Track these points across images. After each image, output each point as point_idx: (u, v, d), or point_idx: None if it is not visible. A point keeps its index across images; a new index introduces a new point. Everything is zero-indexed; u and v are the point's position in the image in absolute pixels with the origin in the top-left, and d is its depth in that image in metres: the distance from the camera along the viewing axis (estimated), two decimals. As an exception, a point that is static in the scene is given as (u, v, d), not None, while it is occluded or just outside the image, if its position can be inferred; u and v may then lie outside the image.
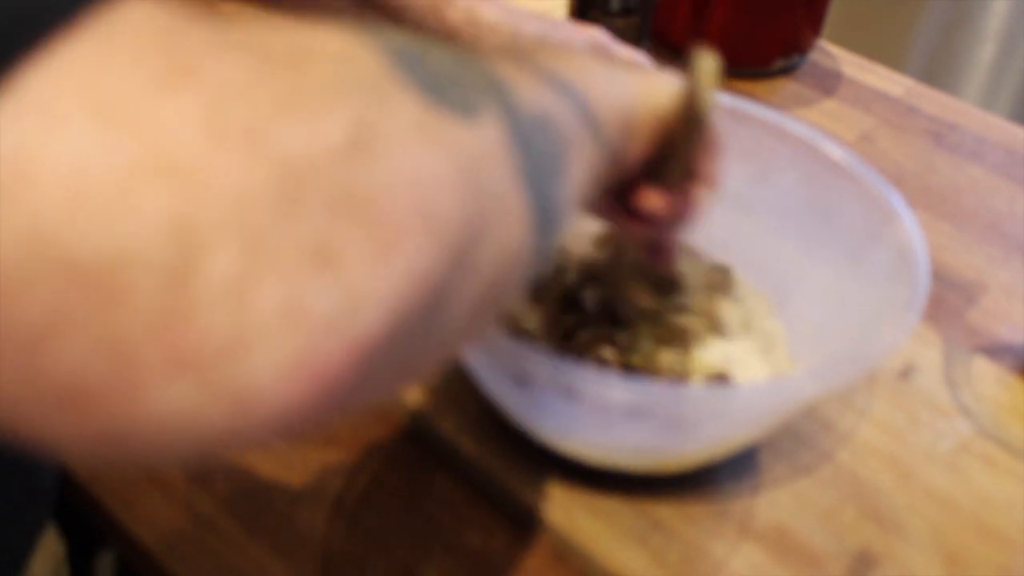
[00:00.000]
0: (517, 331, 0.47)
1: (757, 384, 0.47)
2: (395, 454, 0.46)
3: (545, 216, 0.25)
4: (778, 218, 0.50)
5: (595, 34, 0.50)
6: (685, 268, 0.51)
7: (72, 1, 0.15)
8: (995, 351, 0.54)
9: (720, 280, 0.52)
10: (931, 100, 0.76)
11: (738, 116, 0.50)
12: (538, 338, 0.48)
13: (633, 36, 0.68)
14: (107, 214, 0.15)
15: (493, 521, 0.43)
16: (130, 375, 0.15)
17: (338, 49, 0.19)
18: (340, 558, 0.42)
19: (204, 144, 0.15)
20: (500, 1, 0.48)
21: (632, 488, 0.44)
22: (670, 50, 0.77)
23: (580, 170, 0.29)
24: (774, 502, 0.45)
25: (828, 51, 0.81)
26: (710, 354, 0.48)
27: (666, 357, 0.47)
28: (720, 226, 0.52)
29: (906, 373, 0.52)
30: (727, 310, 0.50)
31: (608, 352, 0.48)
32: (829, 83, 0.77)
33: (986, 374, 0.53)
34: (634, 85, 0.35)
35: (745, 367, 0.48)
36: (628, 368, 0.47)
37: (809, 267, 0.49)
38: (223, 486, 0.44)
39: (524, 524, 0.43)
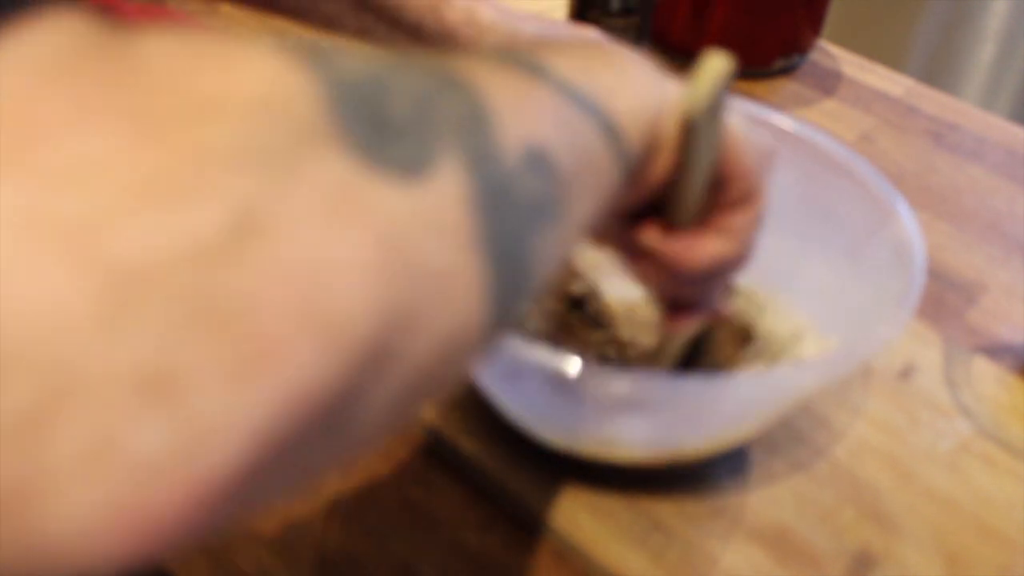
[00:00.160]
0: (518, 333, 0.47)
1: (751, 375, 0.47)
2: (394, 453, 0.46)
3: (511, 280, 0.21)
4: (776, 215, 0.50)
5: (593, 35, 0.50)
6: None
7: None
8: (995, 351, 0.54)
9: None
10: (931, 100, 0.76)
11: (735, 115, 0.50)
12: (538, 336, 0.48)
13: (633, 36, 0.68)
14: None
15: (492, 520, 0.43)
16: None
17: (264, 93, 0.16)
18: (338, 557, 0.42)
19: (12, 244, 0.13)
20: (498, 1, 0.48)
21: (632, 488, 0.44)
22: (670, 50, 0.77)
23: (589, 199, 0.26)
24: (774, 502, 0.45)
25: (828, 51, 0.81)
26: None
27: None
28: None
29: (906, 373, 0.52)
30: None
31: (610, 349, 0.48)
32: (829, 83, 0.77)
33: (986, 374, 0.53)
34: (667, 89, 0.31)
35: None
36: (627, 362, 0.47)
37: (807, 264, 0.49)
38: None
39: (523, 523, 0.43)
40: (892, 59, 0.94)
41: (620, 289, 0.51)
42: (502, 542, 0.43)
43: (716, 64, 0.31)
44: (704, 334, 0.44)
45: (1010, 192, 0.67)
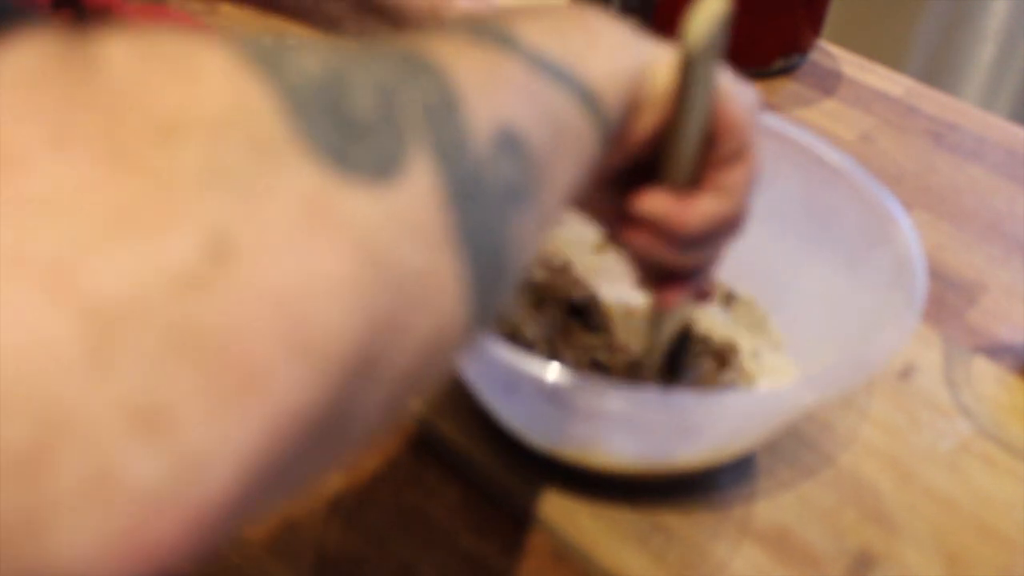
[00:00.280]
0: (516, 339, 0.47)
1: (756, 392, 0.47)
2: (394, 454, 0.46)
3: (491, 271, 0.21)
4: (776, 223, 0.50)
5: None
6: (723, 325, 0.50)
7: None
8: (995, 351, 0.54)
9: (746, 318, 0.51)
10: (931, 100, 0.76)
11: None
12: (537, 346, 0.47)
13: (633, 36, 0.68)
14: None
15: (492, 521, 0.43)
16: None
17: (224, 107, 0.16)
18: (338, 557, 0.42)
19: None
20: (498, 2, 0.48)
21: (632, 490, 0.44)
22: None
23: (566, 172, 0.25)
24: (774, 503, 0.45)
25: (828, 51, 0.81)
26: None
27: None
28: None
29: (906, 373, 0.52)
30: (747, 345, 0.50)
31: (602, 354, 0.48)
32: (829, 83, 0.77)
33: (986, 374, 0.53)
34: (644, 50, 0.30)
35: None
36: (628, 372, 0.47)
37: (807, 272, 0.49)
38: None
39: (523, 524, 0.43)
40: (892, 59, 0.94)
41: (620, 294, 0.51)
42: (501, 543, 0.43)
43: (714, 4, 0.30)
44: (683, 343, 0.43)
45: (1010, 192, 0.67)
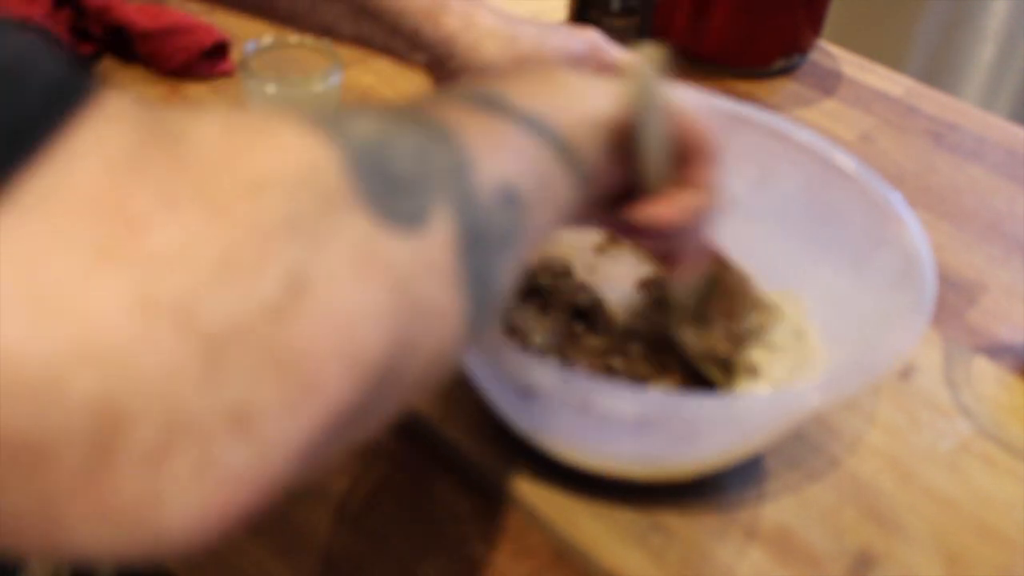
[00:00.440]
0: (525, 347, 0.47)
1: (765, 395, 0.47)
2: (397, 456, 0.46)
3: (483, 306, 0.26)
4: (781, 223, 0.50)
5: (591, 36, 0.50)
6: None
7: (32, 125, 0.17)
8: (995, 351, 0.54)
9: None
10: (931, 100, 0.76)
11: (740, 121, 0.50)
12: (545, 351, 0.48)
13: (633, 36, 0.68)
14: (35, 400, 0.16)
15: (494, 522, 0.43)
16: (56, 524, 0.17)
17: (298, 166, 0.20)
18: (341, 558, 0.42)
19: (132, 326, 0.17)
20: (496, 6, 0.48)
21: (633, 490, 0.44)
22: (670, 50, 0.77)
23: (546, 217, 0.30)
24: (775, 502, 0.45)
25: (828, 51, 0.81)
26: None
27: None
28: (722, 232, 0.52)
29: (906, 373, 0.52)
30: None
31: (617, 362, 0.48)
32: (829, 83, 0.77)
33: (986, 374, 0.53)
34: (610, 95, 0.35)
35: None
36: (636, 378, 0.47)
37: (813, 272, 0.49)
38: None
39: (525, 525, 0.43)
40: (892, 59, 0.94)
41: (621, 295, 0.51)
42: (503, 544, 0.43)
43: (646, 62, 0.35)
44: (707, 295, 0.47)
45: (1010, 192, 0.67)
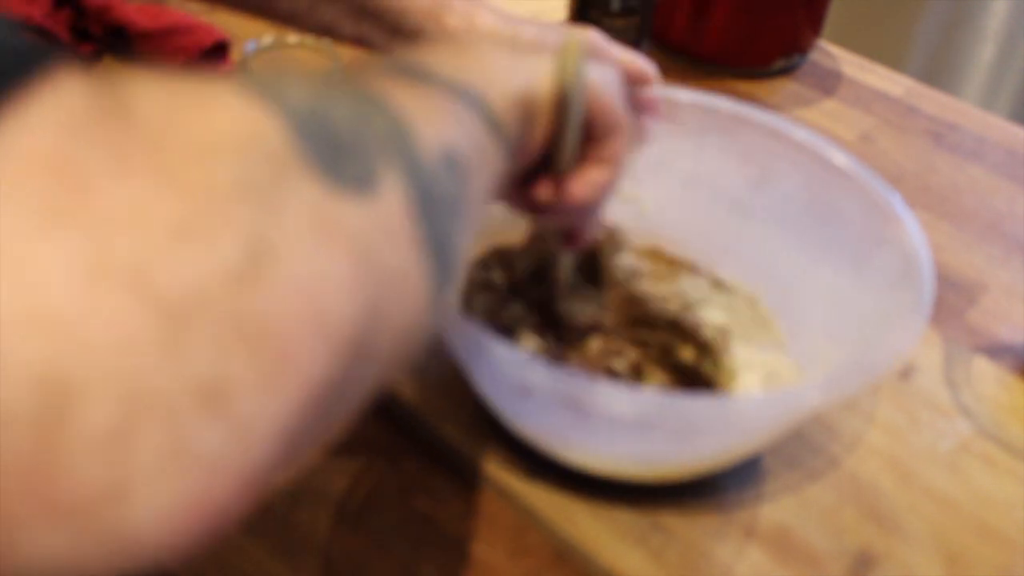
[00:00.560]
0: (518, 344, 0.47)
1: (765, 395, 0.47)
2: (396, 456, 0.46)
3: (444, 271, 0.25)
4: (780, 222, 0.50)
5: (590, 36, 0.50)
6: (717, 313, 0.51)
7: None
8: (995, 351, 0.54)
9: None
10: (931, 100, 0.76)
11: (739, 120, 0.50)
12: (539, 351, 0.48)
13: (633, 36, 0.68)
14: None
15: (493, 522, 0.43)
16: (0, 528, 0.15)
17: (241, 132, 0.19)
18: (341, 559, 0.42)
19: (81, 289, 0.15)
20: (497, 6, 0.48)
21: (633, 490, 0.44)
22: (670, 50, 0.77)
23: (484, 186, 0.29)
24: (774, 502, 0.45)
25: (828, 51, 0.81)
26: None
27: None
28: (721, 232, 0.52)
29: (906, 373, 0.52)
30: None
31: (619, 363, 0.48)
32: (829, 83, 0.77)
33: (986, 374, 0.53)
34: (533, 69, 0.35)
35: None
36: (638, 378, 0.47)
37: (812, 272, 0.49)
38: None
39: (525, 525, 0.43)
40: (892, 59, 0.94)
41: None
42: (503, 545, 0.43)
43: (575, 40, 0.36)
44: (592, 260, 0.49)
45: (1010, 192, 0.67)
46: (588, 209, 0.40)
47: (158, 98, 0.19)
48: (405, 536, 0.43)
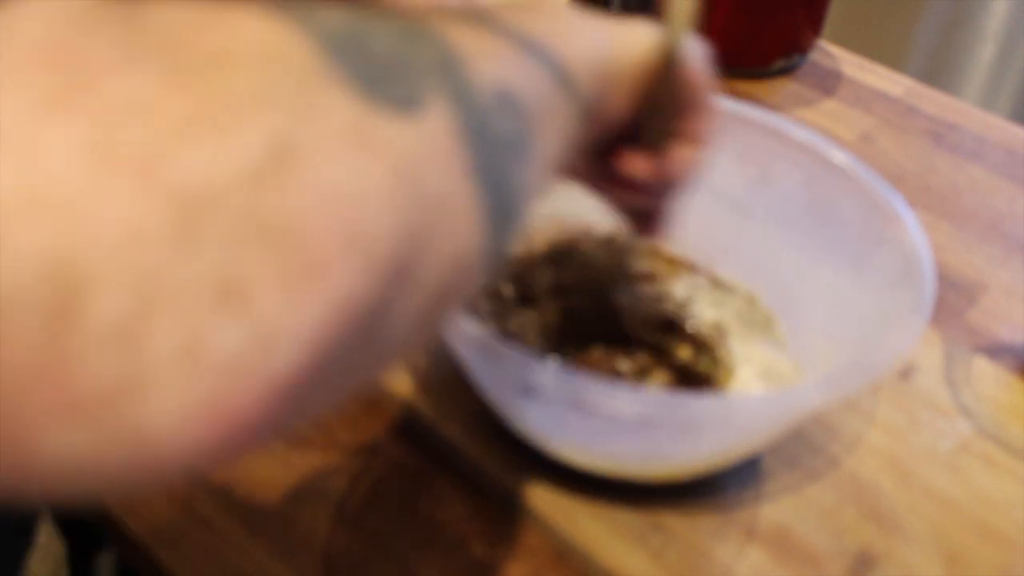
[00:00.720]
0: (521, 344, 0.47)
1: (765, 394, 0.47)
2: (396, 456, 0.46)
3: (501, 209, 0.23)
4: (780, 222, 0.50)
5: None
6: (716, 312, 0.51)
7: None
8: (995, 351, 0.54)
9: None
10: (931, 100, 0.76)
11: (738, 119, 0.50)
12: (542, 350, 0.48)
13: (633, 36, 0.68)
14: None
15: (494, 522, 0.43)
16: (15, 423, 0.14)
17: (265, 45, 0.18)
18: (341, 559, 0.42)
19: (88, 174, 0.14)
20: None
21: (633, 490, 0.44)
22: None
23: (551, 141, 0.27)
24: (774, 502, 0.45)
25: (828, 51, 0.81)
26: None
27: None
28: (721, 231, 0.52)
29: (906, 373, 0.52)
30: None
31: (623, 364, 0.48)
32: (829, 83, 0.77)
33: (986, 374, 0.53)
34: (614, 35, 0.33)
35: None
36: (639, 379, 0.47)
37: (812, 271, 0.49)
38: (223, 486, 0.44)
39: (525, 525, 0.43)
40: (892, 59, 0.94)
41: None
42: (503, 544, 0.43)
43: (685, 3, 0.34)
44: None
45: (1010, 192, 0.67)
46: (674, 191, 0.39)
47: (171, 8, 0.17)
48: (405, 536, 0.43)
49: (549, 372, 0.36)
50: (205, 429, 0.16)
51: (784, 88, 0.76)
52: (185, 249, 0.15)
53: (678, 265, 0.53)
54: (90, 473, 0.15)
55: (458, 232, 0.21)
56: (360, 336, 0.18)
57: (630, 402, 0.37)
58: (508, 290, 0.50)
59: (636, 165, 0.37)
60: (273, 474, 0.44)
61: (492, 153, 0.23)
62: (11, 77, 0.14)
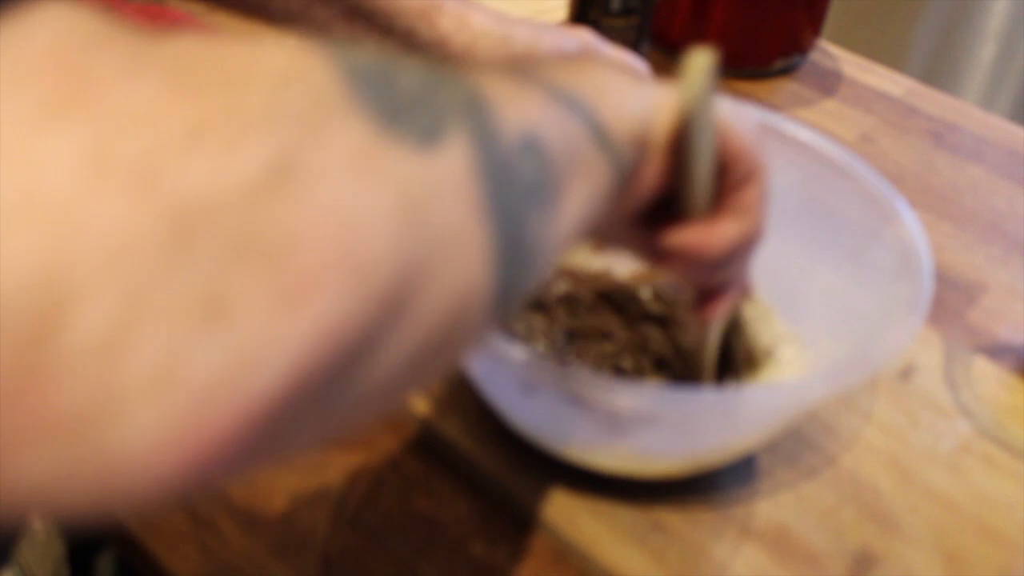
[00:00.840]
0: (527, 347, 0.47)
1: (763, 388, 0.47)
2: (396, 455, 0.46)
3: (515, 251, 0.22)
4: (778, 219, 0.50)
5: (584, 36, 0.50)
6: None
7: None
8: (995, 351, 0.54)
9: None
10: (931, 100, 0.76)
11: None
12: (549, 354, 0.48)
13: (633, 36, 0.68)
14: None
15: (494, 522, 0.43)
16: None
17: (282, 68, 0.18)
18: (341, 559, 0.42)
19: (84, 183, 0.14)
20: (491, 7, 0.48)
21: (633, 490, 0.44)
22: (670, 50, 0.77)
23: (583, 194, 0.27)
24: (774, 502, 0.45)
25: (828, 51, 0.81)
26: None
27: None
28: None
29: (906, 373, 0.52)
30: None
31: (625, 362, 0.48)
32: (829, 83, 0.77)
33: (986, 374, 0.53)
34: (650, 97, 0.32)
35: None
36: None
37: (811, 268, 0.49)
38: (223, 487, 0.44)
39: (524, 525, 0.43)
40: (892, 59, 0.94)
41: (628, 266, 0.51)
42: (503, 544, 0.43)
43: (702, 59, 0.32)
44: (730, 335, 0.45)
45: (1010, 192, 0.67)
46: (722, 268, 0.36)
47: (199, 40, 0.17)
48: (405, 536, 0.43)
49: (546, 369, 0.36)
50: (177, 454, 0.15)
51: (784, 88, 0.76)
52: (175, 262, 0.15)
53: None
54: (60, 495, 0.15)
55: (465, 269, 0.21)
56: (347, 365, 0.18)
57: (627, 398, 0.37)
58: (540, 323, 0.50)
59: (669, 237, 0.35)
60: (273, 474, 0.44)
61: (511, 195, 0.22)
62: (15, 84, 0.14)
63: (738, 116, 0.34)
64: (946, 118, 0.74)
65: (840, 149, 0.48)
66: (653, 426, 0.42)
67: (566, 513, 0.44)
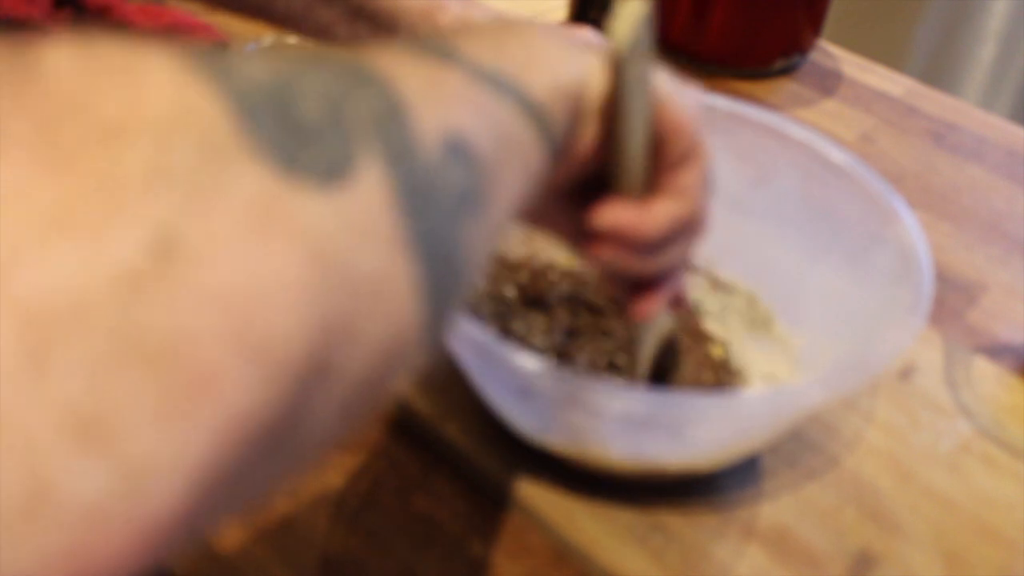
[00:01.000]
0: (523, 346, 0.47)
1: (764, 392, 0.47)
2: (396, 455, 0.46)
3: (446, 275, 0.21)
4: (778, 221, 0.50)
5: (585, 35, 0.50)
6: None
7: None
8: (995, 351, 0.54)
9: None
10: (931, 100, 0.76)
11: (736, 119, 0.50)
12: (547, 353, 0.48)
13: (633, 36, 0.68)
14: None
15: (493, 522, 0.43)
16: None
17: (166, 109, 0.16)
18: (340, 558, 0.42)
19: None
20: (494, 7, 0.48)
21: (633, 490, 0.44)
22: (670, 50, 0.77)
23: (515, 182, 0.25)
24: (774, 502, 0.45)
25: (828, 51, 0.81)
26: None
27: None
28: (720, 231, 0.52)
29: (906, 373, 0.52)
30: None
31: (621, 359, 0.48)
32: (829, 83, 0.77)
33: (986, 374, 0.53)
34: (584, 59, 0.30)
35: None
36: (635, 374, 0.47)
37: (811, 270, 0.49)
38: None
39: (524, 524, 0.43)
40: (892, 59, 0.94)
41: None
42: (502, 544, 0.43)
43: (633, 6, 0.30)
44: (669, 351, 0.44)
45: (1010, 192, 0.67)
46: (655, 255, 0.34)
47: (73, 68, 0.15)
48: (405, 536, 0.43)
49: (545, 370, 0.36)
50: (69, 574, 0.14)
51: (784, 88, 0.76)
52: (35, 377, 0.13)
53: None
54: None
55: (392, 314, 0.19)
56: (265, 448, 0.16)
57: (628, 401, 0.37)
58: (511, 292, 0.50)
59: (605, 214, 0.32)
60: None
61: (436, 215, 0.21)
62: None
63: (679, 91, 0.33)
64: (946, 118, 0.74)
65: (840, 149, 0.48)
66: (653, 428, 0.42)
67: (566, 513, 0.44)
